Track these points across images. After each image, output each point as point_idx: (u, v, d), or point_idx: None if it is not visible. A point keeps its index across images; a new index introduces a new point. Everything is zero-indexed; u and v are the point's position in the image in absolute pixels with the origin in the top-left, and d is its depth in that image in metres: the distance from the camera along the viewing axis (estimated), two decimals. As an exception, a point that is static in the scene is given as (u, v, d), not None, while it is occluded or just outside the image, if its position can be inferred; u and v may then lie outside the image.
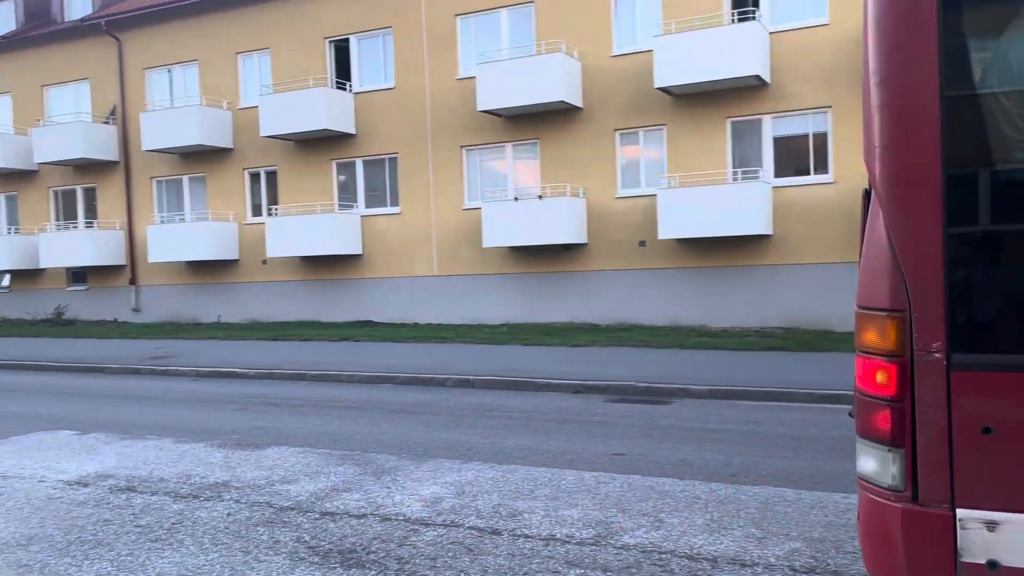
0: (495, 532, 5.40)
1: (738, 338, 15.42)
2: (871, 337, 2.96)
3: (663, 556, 4.87)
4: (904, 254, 2.82)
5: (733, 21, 16.81)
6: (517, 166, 19.58)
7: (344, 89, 21.28)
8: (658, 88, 16.96)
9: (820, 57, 16.23)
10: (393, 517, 5.77)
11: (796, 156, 16.81)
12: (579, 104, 18.34)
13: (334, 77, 21.58)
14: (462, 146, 19.94)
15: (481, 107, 18.66)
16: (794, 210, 16.51)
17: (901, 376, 2.85)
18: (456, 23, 19.97)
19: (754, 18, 16.52)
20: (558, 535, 5.30)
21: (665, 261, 17.77)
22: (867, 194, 3.17)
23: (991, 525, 2.77)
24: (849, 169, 16.04)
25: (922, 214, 2.79)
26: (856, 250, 15.69)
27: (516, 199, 18.91)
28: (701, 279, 17.46)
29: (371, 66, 21.23)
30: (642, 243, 17.92)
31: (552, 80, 17.81)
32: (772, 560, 4.75)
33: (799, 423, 8.77)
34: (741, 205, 16.32)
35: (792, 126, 16.78)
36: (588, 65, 18.35)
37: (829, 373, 11.33)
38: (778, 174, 16.87)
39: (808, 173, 16.65)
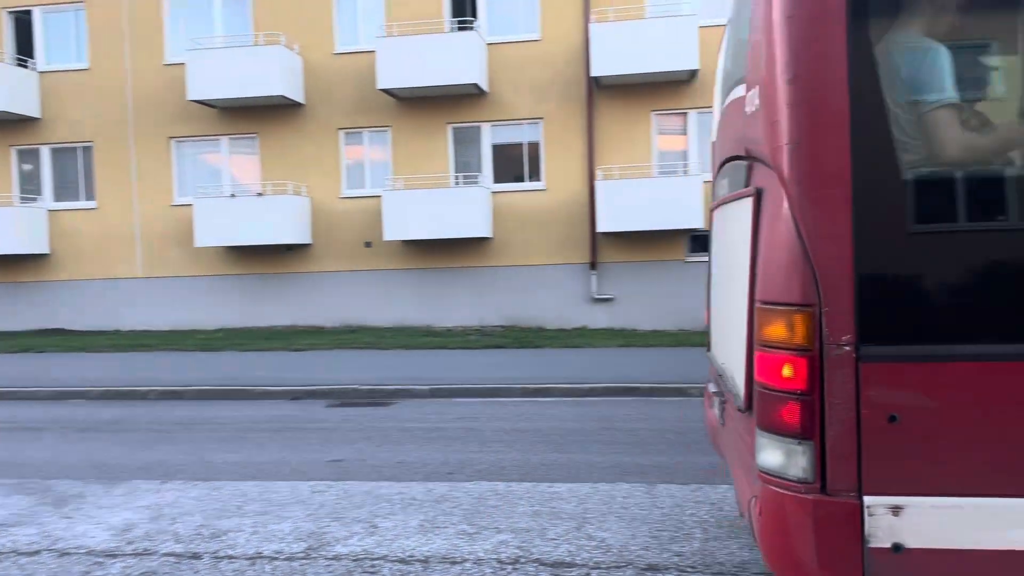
0: (195, 556, 4.95)
1: (461, 337, 15.81)
2: (777, 332, 2.96)
3: (375, 562, 4.76)
4: (815, 250, 2.86)
5: (453, 29, 17.22)
6: (234, 161, 18.47)
7: (26, 67, 18.71)
8: (381, 89, 16.90)
9: (533, 70, 17.12)
10: (73, 551, 5.08)
11: (513, 163, 17.60)
12: (301, 100, 17.72)
13: (14, 53, 18.90)
14: (170, 137, 18.39)
15: (192, 96, 17.35)
16: (512, 214, 17.27)
17: (811, 370, 2.88)
18: (163, 4, 18.39)
19: (472, 28, 17.03)
20: (266, 552, 4.98)
21: (391, 262, 17.75)
22: (758, 193, 3.20)
23: (896, 510, 2.88)
24: (560, 178, 17.12)
25: (832, 210, 2.84)
26: (565, 252, 16.95)
27: (233, 196, 17.83)
28: (426, 280, 17.67)
29: (59, 43, 18.87)
30: (368, 244, 17.74)
31: (270, 73, 17.03)
32: (481, 554, 4.83)
33: (512, 417, 9.13)
34: (463, 209, 16.73)
35: (509, 134, 17.54)
36: (310, 61, 17.79)
37: (541, 368, 11.97)
38: (497, 180, 17.54)
39: (524, 180, 17.51)
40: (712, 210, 4.98)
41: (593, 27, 16.37)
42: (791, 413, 2.92)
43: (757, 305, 3.11)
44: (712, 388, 4.71)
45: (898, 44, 2.93)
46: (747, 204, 3.43)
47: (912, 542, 2.86)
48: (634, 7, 16.76)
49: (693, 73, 16.26)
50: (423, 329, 17.23)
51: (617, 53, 16.05)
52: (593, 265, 17.03)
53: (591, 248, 17.06)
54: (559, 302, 17.20)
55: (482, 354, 13.75)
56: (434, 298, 17.62)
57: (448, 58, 16.43)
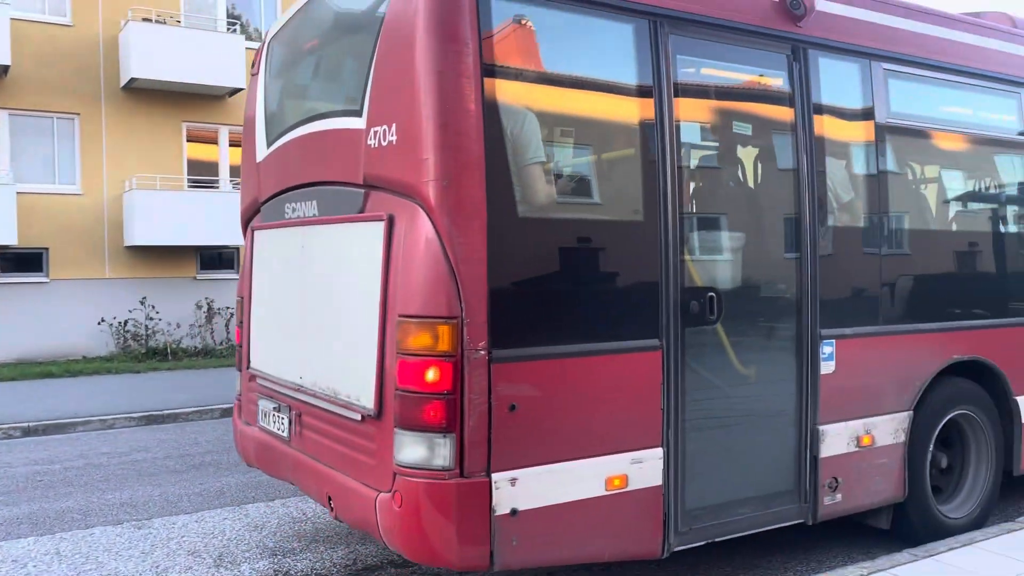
0: None
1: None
2: (421, 341, 3.41)
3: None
4: (460, 270, 3.38)
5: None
6: None
7: None
8: None
9: (68, 59, 15.11)
10: None
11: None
12: None
13: None
14: None
15: None
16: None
17: (454, 372, 3.37)
18: None
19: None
20: None
21: None
22: (391, 220, 3.57)
23: (513, 481, 3.51)
24: (96, 179, 15.33)
25: (473, 238, 3.41)
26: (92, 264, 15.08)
27: None
28: None
29: None
30: None
31: None
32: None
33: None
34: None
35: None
36: None
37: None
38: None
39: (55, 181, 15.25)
40: (255, 229, 5.14)
41: (132, 26, 15.09)
42: (435, 411, 3.40)
43: (399, 319, 3.49)
44: (270, 406, 4.83)
45: (510, 107, 3.60)
46: (369, 227, 3.79)
47: (523, 505, 3.56)
48: (173, 13, 15.88)
49: (234, 91, 15.96)
50: None
51: (155, 57, 15.03)
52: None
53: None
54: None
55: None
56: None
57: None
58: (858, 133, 4.75)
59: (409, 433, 3.46)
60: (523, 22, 3.67)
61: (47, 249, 15.17)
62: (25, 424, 9.32)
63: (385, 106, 3.65)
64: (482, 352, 3.42)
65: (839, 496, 4.53)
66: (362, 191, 3.88)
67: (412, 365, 3.43)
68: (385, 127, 3.61)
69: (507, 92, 3.58)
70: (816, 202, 4.44)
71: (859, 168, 4.79)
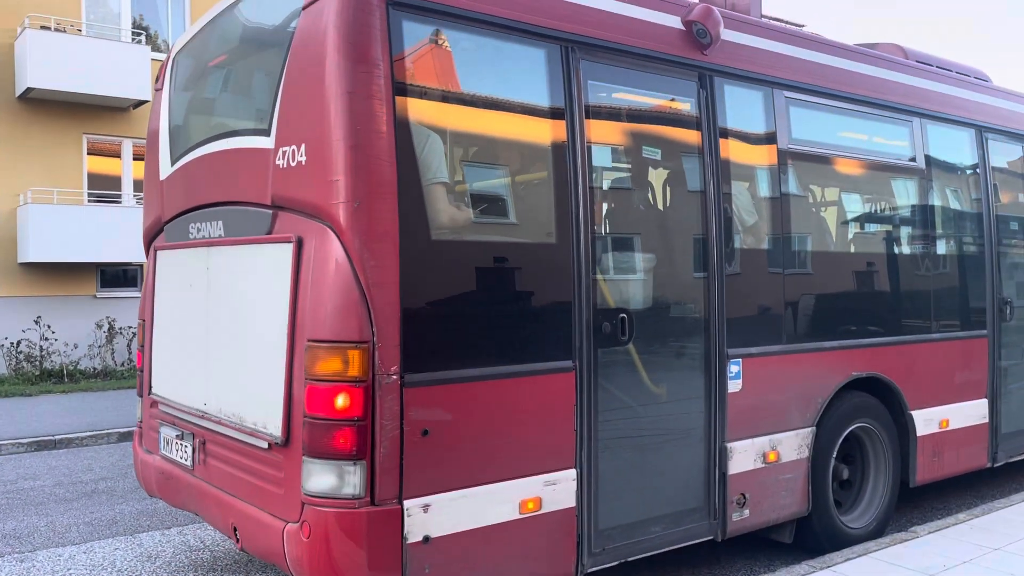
0: None
1: None
2: (331, 366, 3.31)
3: None
4: (371, 295, 3.31)
5: None
6: None
7: None
8: None
9: None
10: None
11: None
12: None
13: None
14: None
15: None
16: None
17: (365, 398, 3.29)
18: None
19: None
20: None
21: None
22: (299, 242, 3.47)
23: (426, 507, 3.44)
24: None
25: (385, 262, 3.34)
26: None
27: None
28: None
29: None
30: None
31: None
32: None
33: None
34: None
35: None
36: None
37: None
38: None
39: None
40: (158, 249, 4.97)
41: (29, 33, 14.30)
42: (345, 438, 3.30)
43: (308, 343, 3.39)
44: (172, 433, 4.64)
45: (421, 129, 3.56)
46: (277, 249, 3.68)
47: (436, 531, 3.50)
48: (74, 22, 15.18)
49: (139, 103, 15.37)
50: None
51: (54, 66, 14.28)
52: None
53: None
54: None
55: None
56: None
57: None
58: (762, 157, 4.92)
59: (318, 461, 3.36)
60: (436, 44, 3.65)
61: (-69, 266, 14.26)
62: (-98, 454, 8.69)
63: (294, 126, 3.56)
64: (394, 377, 3.36)
65: (747, 512, 4.63)
66: (270, 212, 3.78)
67: (321, 391, 3.34)
68: (294, 147, 3.53)
69: (419, 114, 3.55)
70: (722, 224, 4.56)
71: (763, 191, 4.96)
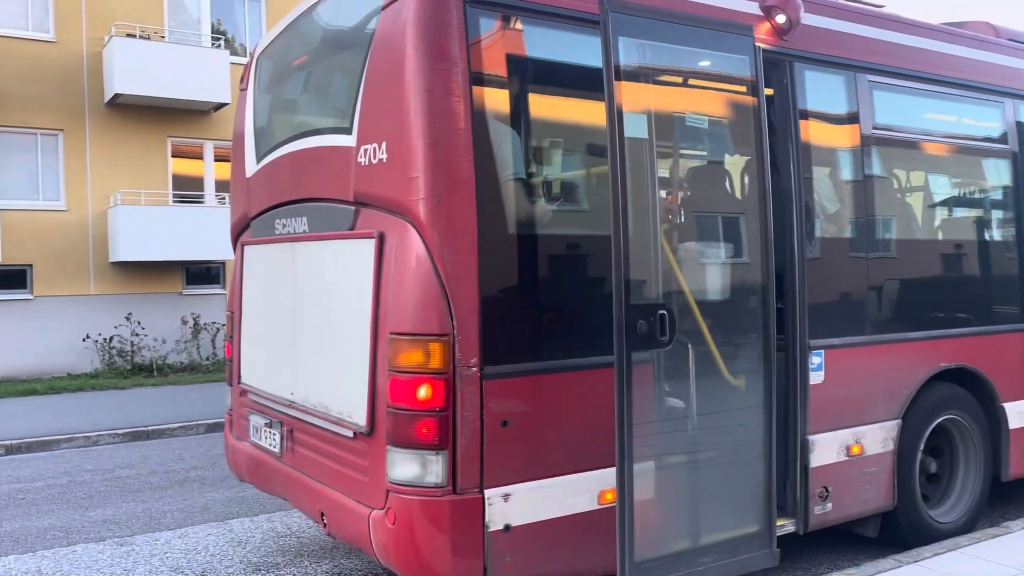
0: None
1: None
2: (413, 358, 3.40)
3: None
4: (451, 288, 3.38)
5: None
6: None
7: None
8: None
9: (51, 75, 14.97)
10: None
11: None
12: None
13: None
14: None
15: None
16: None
17: (446, 390, 3.37)
18: None
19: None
20: None
21: None
22: (381, 237, 3.55)
23: (506, 496, 3.49)
24: (80, 195, 15.23)
25: (464, 256, 3.41)
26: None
27: None
28: None
29: None
30: None
31: None
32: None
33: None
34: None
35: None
36: None
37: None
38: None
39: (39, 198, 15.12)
40: (245, 245, 5.13)
41: (116, 41, 14.96)
42: (428, 428, 3.39)
43: (390, 336, 3.48)
44: (261, 421, 4.82)
45: (499, 123, 3.61)
46: (359, 245, 3.78)
47: (517, 520, 3.55)
48: (157, 29, 15.82)
49: (219, 106, 15.92)
50: None
51: (139, 72, 14.88)
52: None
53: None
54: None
55: None
56: None
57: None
58: (844, 142, 4.80)
59: (402, 450, 3.45)
60: (512, 38, 3.69)
61: (31, 266, 15.04)
62: (8, 442, 9.21)
63: (375, 124, 3.65)
64: (474, 368, 3.42)
65: (829, 505, 4.55)
66: (352, 208, 3.88)
67: (404, 382, 3.42)
68: (375, 145, 3.62)
69: (496, 109, 3.59)
70: (803, 211, 4.47)
71: (846, 176, 4.84)
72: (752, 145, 4.10)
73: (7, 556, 5.48)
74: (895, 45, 5.00)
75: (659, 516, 3.70)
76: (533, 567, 3.62)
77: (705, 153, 4.40)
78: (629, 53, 3.58)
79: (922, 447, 5.01)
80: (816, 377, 4.49)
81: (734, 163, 4.49)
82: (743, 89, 4.09)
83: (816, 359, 4.49)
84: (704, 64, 4.04)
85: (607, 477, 3.77)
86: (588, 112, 3.92)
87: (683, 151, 4.32)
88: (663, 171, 4.15)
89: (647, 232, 3.67)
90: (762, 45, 4.33)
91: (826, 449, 4.52)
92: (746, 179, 4.46)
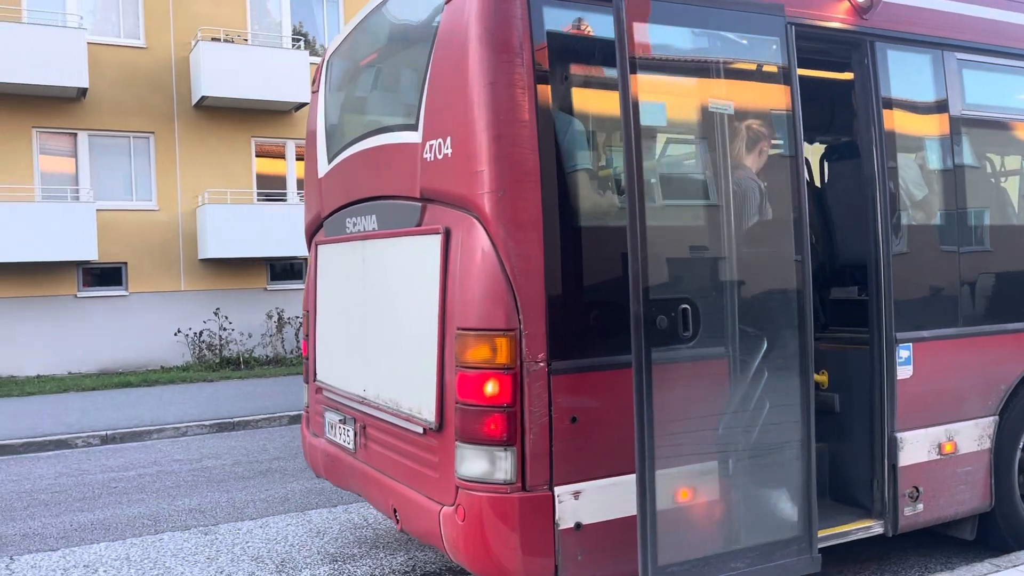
0: None
1: None
2: (480, 354, 3.36)
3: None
4: (517, 283, 3.33)
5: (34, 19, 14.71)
6: None
7: None
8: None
9: (142, 80, 15.66)
10: None
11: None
12: None
13: None
14: None
15: None
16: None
17: (513, 385, 3.33)
18: None
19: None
20: None
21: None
22: (447, 232, 3.52)
23: (576, 494, 3.43)
24: (170, 195, 15.87)
25: (530, 250, 3.36)
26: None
27: None
28: None
29: None
30: None
31: None
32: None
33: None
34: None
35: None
36: None
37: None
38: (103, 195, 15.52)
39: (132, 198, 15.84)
40: (318, 244, 5.18)
41: (202, 45, 15.51)
42: (496, 424, 3.34)
43: (457, 331, 3.47)
44: (336, 418, 4.87)
45: (564, 116, 3.55)
46: (426, 241, 3.78)
47: (587, 518, 3.48)
48: (240, 32, 16.32)
49: (300, 105, 16.33)
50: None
51: (224, 75, 15.38)
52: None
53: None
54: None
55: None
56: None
57: (33, 52, 14.00)
58: (932, 127, 4.54)
59: (470, 446, 3.42)
60: (576, 29, 3.61)
61: (125, 264, 15.74)
62: (103, 432, 9.67)
63: (440, 119, 3.63)
64: (541, 364, 3.37)
65: (920, 506, 4.33)
66: (419, 204, 3.88)
67: (471, 378, 3.40)
68: (440, 140, 3.60)
69: (561, 101, 3.53)
70: (888, 199, 4.26)
71: (934, 162, 4.58)
72: (785, 132, 3.90)
73: (99, 543, 5.74)
74: (986, 20, 4.70)
75: (687, 518, 3.52)
76: (605, 566, 3.54)
77: (737, 141, 4.17)
78: (656, 35, 3.45)
79: (1021, 445, 4.72)
80: (904, 372, 4.27)
81: (822, 150, 4.31)
82: (774, 71, 3.83)
83: (904, 352, 4.27)
84: (734, 48, 3.79)
85: (682, 475, 3.66)
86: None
87: (775, 140, 4.14)
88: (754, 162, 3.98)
89: (669, 222, 3.63)
90: (825, 24, 4.10)
91: (916, 447, 4.30)
92: (837, 169, 4.27)
